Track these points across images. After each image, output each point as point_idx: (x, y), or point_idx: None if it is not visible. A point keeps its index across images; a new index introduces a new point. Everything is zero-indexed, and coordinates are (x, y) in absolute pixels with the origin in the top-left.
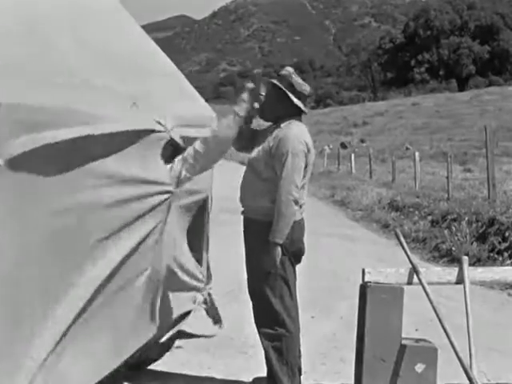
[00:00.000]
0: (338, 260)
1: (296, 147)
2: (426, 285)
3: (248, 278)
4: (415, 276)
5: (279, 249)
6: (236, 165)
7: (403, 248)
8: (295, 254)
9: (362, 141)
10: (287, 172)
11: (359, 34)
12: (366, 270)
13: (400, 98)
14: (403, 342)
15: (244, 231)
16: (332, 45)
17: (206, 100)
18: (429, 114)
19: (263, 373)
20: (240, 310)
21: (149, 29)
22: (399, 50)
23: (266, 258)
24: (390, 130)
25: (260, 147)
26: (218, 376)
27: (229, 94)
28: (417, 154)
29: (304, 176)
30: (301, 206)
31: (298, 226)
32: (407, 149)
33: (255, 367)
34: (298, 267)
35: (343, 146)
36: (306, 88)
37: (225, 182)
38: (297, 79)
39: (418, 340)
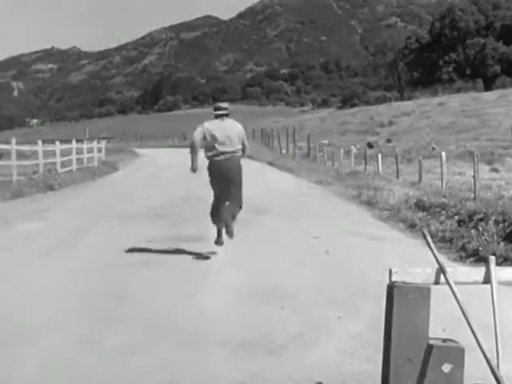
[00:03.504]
0: (365, 260)
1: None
2: (453, 284)
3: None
4: (442, 276)
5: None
6: (259, 166)
7: (430, 248)
8: (216, 173)
9: (389, 141)
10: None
11: (385, 33)
12: (393, 270)
13: (426, 97)
14: (430, 341)
15: None
16: (358, 45)
17: (233, 100)
18: (455, 114)
19: None
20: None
21: (178, 29)
22: (425, 50)
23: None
24: (417, 129)
25: None
26: None
27: (256, 94)
28: (443, 153)
29: (213, 139)
30: (215, 154)
31: (215, 162)
32: (433, 148)
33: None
34: (327, 268)
35: (370, 145)
36: (219, 105)
37: (252, 183)
38: (218, 104)
39: (444, 340)
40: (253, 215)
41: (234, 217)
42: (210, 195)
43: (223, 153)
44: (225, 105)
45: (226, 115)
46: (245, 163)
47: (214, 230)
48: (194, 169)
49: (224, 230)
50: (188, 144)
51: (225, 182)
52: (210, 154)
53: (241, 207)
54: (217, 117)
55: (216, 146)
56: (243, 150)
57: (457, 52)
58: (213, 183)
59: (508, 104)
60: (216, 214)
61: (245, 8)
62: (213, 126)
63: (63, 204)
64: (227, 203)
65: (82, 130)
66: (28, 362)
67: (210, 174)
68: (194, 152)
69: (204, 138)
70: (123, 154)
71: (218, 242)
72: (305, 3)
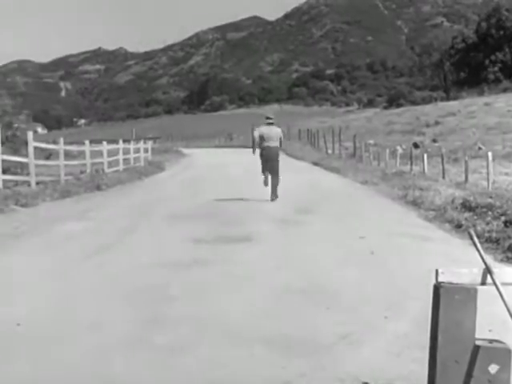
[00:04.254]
0: (411, 260)
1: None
2: (499, 285)
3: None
4: (489, 276)
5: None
6: (303, 167)
7: (476, 248)
8: (264, 157)
9: (435, 141)
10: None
11: (431, 33)
12: (440, 271)
13: (472, 97)
14: (477, 342)
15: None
16: (404, 45)
17: (279, 100)
18: (501, 114)
19: None
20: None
21: (224, 30)
22: (472, 50)
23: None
24: (463, 129)
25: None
26: None
27: (302, 94)
28: (489, 153)
29: (263, 137)
30: (264, 146)
31: (263, 150)
32: (479, 149)
33: None
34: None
35: (416, 145)
36: (268, 116)
37: (298, 183)
38: (267, 116)
39: (491, 341)
40: (299, 215)
41: (276, 185)
42: (255, 196)
43: (268, 146)
44: (271, 116)
45: (272, 123)
46: (290, 163)
47: (258, 231)
48: (254, 152)
49: (270, 197)
50: (235, 144)
51: (268, 161)
52: (261, 146)
53: (278, 177)
54: (267, 124)
55: (264, 142)
56: (280, 143)
57: (503, 52)
58: (261, 162)
59: None
60: (263, 174)
61: (291, 9)
62: (264, 129)
63: (110, 204)
64: (269, 175)
65: (128, 131)
66: (80, 361)
67: (261, 157)
68: (254, 144)
69: (259, 136)
70: (169, 154)
71: (266, 184)
72: (350, 3)
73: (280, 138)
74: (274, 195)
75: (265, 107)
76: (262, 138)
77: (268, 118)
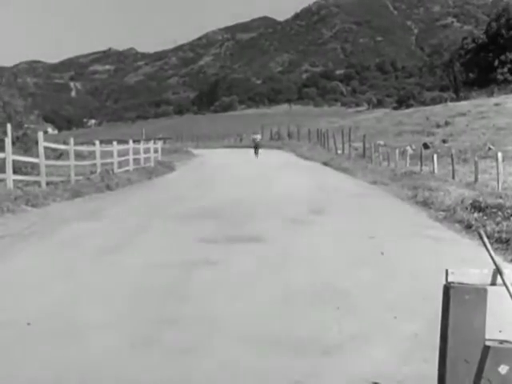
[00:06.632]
0: (421, 260)
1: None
2: (509, 286)
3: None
4: (499, 277)
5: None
6: (316, 168)
7: (487, 249)
8: (254, 145)
9: (444, 141)
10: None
11: (441, 34)
12: (450, 271)
13: (482, 98)
14: (487, 343)
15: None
16: (414, 45)
17: (289, 101)
18: (511, 114)
19: None
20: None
21: (234, 30)
22: (482, 50)
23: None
24: (473, 130)
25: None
26: None
27: (312, 94)
28: (499, 154)
29: (255, 139)
30: (255, 142)
31: (254, 143)
32: (489, 149)
33: None
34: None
35: (425, 146)
36: (255, 131)
37: (309, 184)
38: (255, 130)
39: (501, 341)
40: (309, 215)
41: (257, 153)
42: (265, 195)
43: (256, 142)
44: (257, 131)
45: (257, 134)
46: (299, 163)
47: (269, 231)
48: (253, 145)
49: (256, 156)
50: (243, 145)
51: (255, 147)
52: (253, 142)
53: (259, 151)
54: (254, 134)
55: (255, 141)
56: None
57: None
58: (253, 147)
59: None
60: (254, 150)
61: (300, 9)
62: (254, 136)
63: (120, 204)
64: (256, 151)
65: (138, 131)
66: (88, 360)
67: (253, 145)
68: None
69: (253, 139)
70: (179, 154)
71: (256, 157)
72: (360, 4)
73: (260, 139)
74: (257, 156)
75: (274, 107)
76: (254, 139)
77: (255, 132)
